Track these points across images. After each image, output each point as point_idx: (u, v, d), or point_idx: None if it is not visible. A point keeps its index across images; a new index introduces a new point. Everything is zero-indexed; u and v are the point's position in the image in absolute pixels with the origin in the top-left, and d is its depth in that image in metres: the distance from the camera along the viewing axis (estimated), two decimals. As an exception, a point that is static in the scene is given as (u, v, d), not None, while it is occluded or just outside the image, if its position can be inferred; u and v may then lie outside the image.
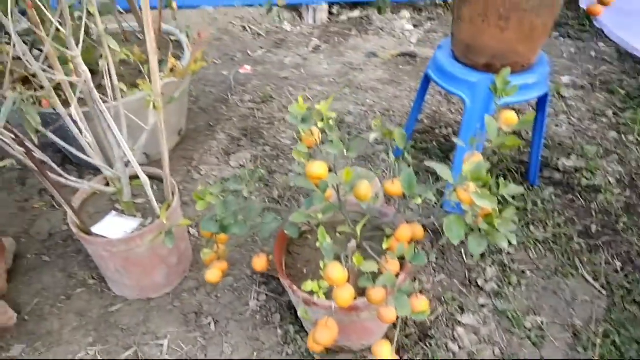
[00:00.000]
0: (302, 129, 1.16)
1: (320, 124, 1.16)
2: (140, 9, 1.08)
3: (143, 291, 1.59)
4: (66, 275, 1.71)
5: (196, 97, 2.71)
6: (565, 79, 2.82)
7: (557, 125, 2.45)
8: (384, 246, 1.17)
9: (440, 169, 1.10)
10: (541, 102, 1.90)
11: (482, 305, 1.62)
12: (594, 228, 1.87)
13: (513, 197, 1.93)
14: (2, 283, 1.56)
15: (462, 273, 1.73)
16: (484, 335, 1.52)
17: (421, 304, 1.20)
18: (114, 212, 1.54)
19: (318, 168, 1.06)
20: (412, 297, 1.22)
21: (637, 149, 2.25)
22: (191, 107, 2.59)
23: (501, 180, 1.23)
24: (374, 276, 1.12)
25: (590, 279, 1.69)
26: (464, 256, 1.78)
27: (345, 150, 1.13)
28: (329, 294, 1.13)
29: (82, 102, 1.27)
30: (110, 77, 1.18)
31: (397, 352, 1.47)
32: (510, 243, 1.16)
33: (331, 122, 1.18)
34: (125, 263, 1.47)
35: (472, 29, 1.68)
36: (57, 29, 1.01)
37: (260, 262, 1.34)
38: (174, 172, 2.16)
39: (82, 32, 0.99)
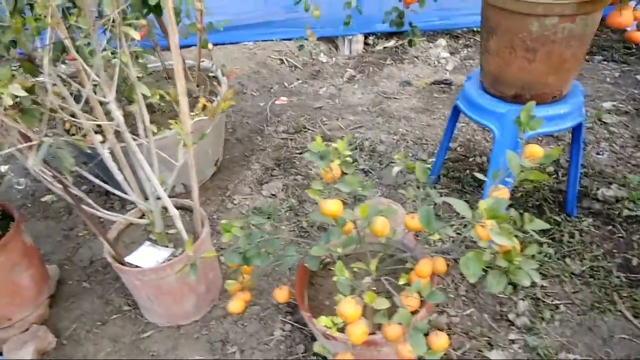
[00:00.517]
0: (321, 166, 1.20)
1: (337, 162, 1.18)
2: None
3: (173, 318, 1.65)
4: (103, 301, 1.80)
5: (233, 128, 2.81)
6: (607, 105, 2.72)
7: (598, 154, 2.36)
8: (401, 282, 1.17)
9: (457, 204, 1.10)
10: (576, 132, 1.85)
11: (513, 341, 1.56)
12: (635, 261, 1.78)
13: (545, 231, 1.88)
14: (44, 309, 1.66)
15: (492, 307, 1.69)
16: (514, 374, 1.46)
17: (440, 341, 1.18)
18: (147, 243, 1.62)
19: (331, 206, 1.09)
20: (431, 334, 1.21)
21: (685, 177, 2.13)
22: (228, 137, 2.69)
23: (526, 215, 1.21)
24: (393, 312, 1.12)
25: (629, 315, 1.60)
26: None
27: (360, 188, 1.15)
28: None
29: (120, 139, 1.37)
30: (143, 118, 1.27)
31: (422, 388, 1.44)
32: (532, 281, 1.14)
33: (349, 159, 1.21)
34: (156, 291, 1.54)
35: (500, 61, 1.67)
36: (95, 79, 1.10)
37: (282, 294, 1.36)
38: (209, 202, 2.24)
39: (115, 81, 1.08)
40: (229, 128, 2.79)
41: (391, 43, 3.67)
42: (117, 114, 1.14)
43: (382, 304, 1.04)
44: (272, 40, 3.62)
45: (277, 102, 3.08)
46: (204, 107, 1.40)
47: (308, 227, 2.07)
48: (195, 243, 1.49)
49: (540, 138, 2.48)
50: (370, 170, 2.39)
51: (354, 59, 3.56)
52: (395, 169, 1.97)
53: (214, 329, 1.66)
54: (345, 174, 1.21)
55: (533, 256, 1.14)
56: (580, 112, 1.76)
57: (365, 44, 3.70)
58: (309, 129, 2.75)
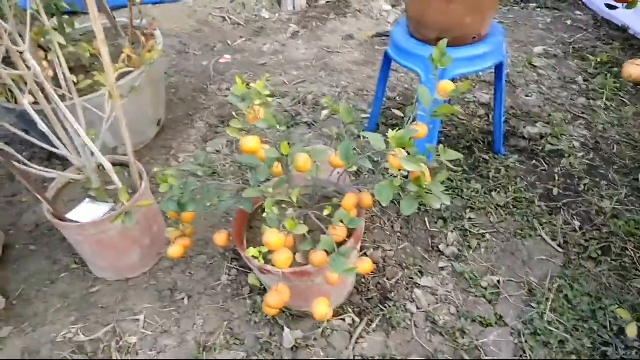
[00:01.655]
0: (243, 108, 1.24)
1: (257, 102, 1.23)
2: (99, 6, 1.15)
3: (120, 272, 1.70)
4: (51, 262, 1.82)
5: (176, 89, 2.79)
6: (538, 49, 2.84)
7: (527, 95, 2.49)
8: (325, 212, 1.25)
9: (372, 137, 1.18)
10: (498, 71, 1.95)
11: (442, 268, 1.69)
12: (555, 191, 1.93)
13: (473, 169, 1.99)
14: (-11, 271, 1.67)
15: (425, 240, 1.81)
16: (441, 296, 1.60)
17: (364, 265, 1.28)
18: (87, 200, 1.64)
19: (250, 142, 1.14)
20: (357, 260, 1.30)
21: (604, 113, 2.29)
22: (171, 98, 2.68)
23: (441, 147, 1.30)
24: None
25: (548, 239, 1.75)
26: (428, 224, 1.86)
27: (278, 125, 1.20)
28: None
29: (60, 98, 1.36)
30: (63, 70, 1.26)
31: (359, 314, 1.56)
32: (443, 204, 1.23)
33: (268, 99, 1.25)
34: (99, 246, 1.57)
35: (421, 5, 1.73)
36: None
37: (221, 238, 1.42)
38: (154, 161, 2.26)
39: (28, 28, 1.08)
40: (171, 89, 2.77)
41: (334, -3, 3.67)
42: (33, 63, 1.14)
43: (302, 229, 1.12)
44: (213, -3, 3.55)
45: (220, 60, 3.06)
46: (129, 59, 1.40)
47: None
48: (134, 196, 1.53)
49: (471, 79, 2.59)
50: (314, 123, 2.44)
51: (297, 15, 3.54)
52: (324, 113, 2.03)
53: (162, 279, 1.72)
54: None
55: (443, 182, 1.24)
56: (500, 52, 1.85)
57: (310, -1, 3.68)
58: (252, 86, 2.76)
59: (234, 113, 1.38)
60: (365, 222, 1.89)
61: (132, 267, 1.70)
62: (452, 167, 1.92)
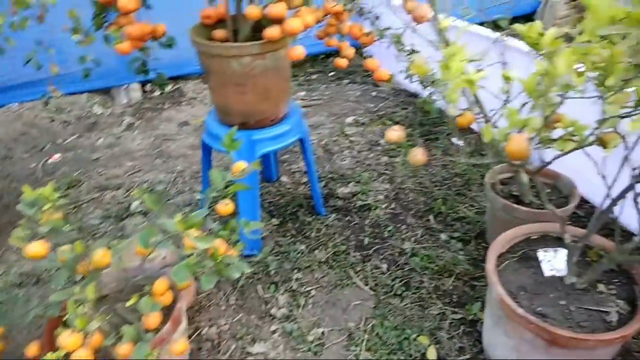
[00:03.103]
0: (33, 214, 1.28)
1: (47, 206, 1.28)
2: None
3: None
4: None
5: (0, 196, 2.65)
6: (349, 119, 3.28)
7: (342, 160, 2.84)
8: (128, 304, 1.31)
9: (167, 223, 1.29)
10: (303, 145, 2.23)
11: (274, 332, 1.82)
12: (366, 241, 2.21)
13: (299, 232, 2.18)
14: None
15: (259, 307, 1.92)
16: (273, 358, 1.70)
17: (179, 346, 1.35)
18: None
19: (33, 248, 1.18)
20: (172, 343, 1.37)
21: (402, 168, 2.70)
22: (-7, 207, 2.53)
23: (243, 220, 1.45)
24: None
25: (361, 284, 1.99)
26: (261, 291, 1.98)
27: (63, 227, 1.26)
28: None
29: None
30: None
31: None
32: (243, 272, 1.37)
33: (60, 201, 1.32)
34: None
35: (221, 96, 1.96)
36: None
37: (32, 349, 1.39)
38: (-32, 278, 2.09)
39: None
40: (-8, 196, 2.62)
41: (168, 88, 3.85)
42: None
43: (93, 326, 1.17)
44: (38, 99, 3.50)
45: (49, 160, 2.99)
46: None
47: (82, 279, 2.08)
48: None
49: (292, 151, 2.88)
50: (147, 212, 2.49)
51: (132, 107, 3.63)
52: (134, 204, 2.11)
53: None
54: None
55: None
56: (300, 129, 2.14)
57: (144, 91, 3.80)
58: (84, 182, 2.74)
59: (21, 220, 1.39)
60: (201, 299, 1.96)
61: None
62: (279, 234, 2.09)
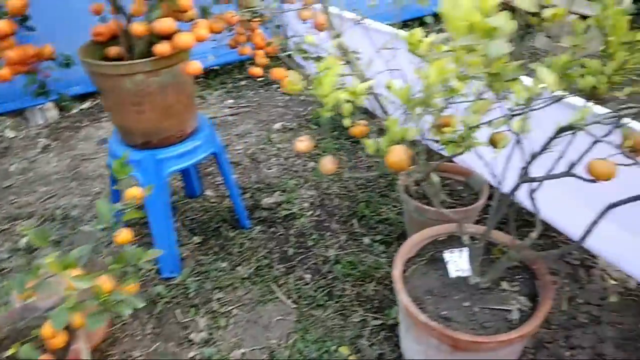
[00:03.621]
0: None
1: None
2: None
3: None
4: None
5: None
6: (277, 125, 3.23)
7: (268, 169, 2.79)
8: (7, 354, 1.21)
9: (42, 264, 1.20)
10: (218, 159, 2.16)
11: (192, 358, 1.74)
12: (290, 251, 2.17)
13: (222, 248, 2.10)
14: None
15: (177, 334, 1.84)
16: (188, 387, 1.64)
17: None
18: None
19: None
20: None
21: (314, 175, 2.67)
22: None
23: (138, 250, 1.37)
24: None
25: (284, 298, 1.94)
26: (180, 316, 1.90)
27: None
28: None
29: None
30: None
31: None
32: (136, 307, 1.29)
33: None
34: None
35: (120, 116, 1.86)
36: None
37: None
38: None
39: None
40: None
41: (87, 104, 3.66)
42: None
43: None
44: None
45: (-46, 193, 2.78)
46: None
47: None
48: None
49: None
50: (63, 239, 2.35)
51: (48, 128, 3.43)
52: (23, 241, 1.99)
53: None
54: None
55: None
56: (212, 144, 2.07)
57: (61, 109, 3.61)
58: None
59: None
60: (115, 330, 1.86)
61: None
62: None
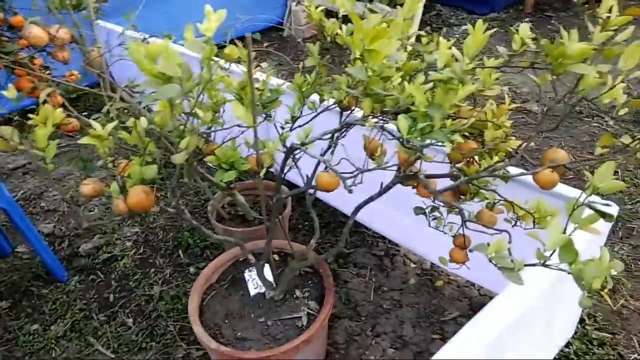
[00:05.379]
0: None
1: None
2: None
3: None
4: None
5: None
6: (100, 162, 3.06)
7: (90, 210, 2.63)
8: None
9: None
10: (8, 214, 1.97)
11: None
12: (111, 297, 2.07)
13: (34, 310, 1.91)
14: None
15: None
16: None
17: None
18: None
19: None
20: None
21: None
22: None
23: None
24: None
25: (103, 349, 1.85)
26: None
27: None
28: None
29: None
30: None
31: None
32: None
33: None
34: None
35: None
36: None
37: None
38: None
39: None
40: None
41: None
42: None
43: None
44: None
45: None
46: None
47: None
48: None
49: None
50: None
51: None
52: None
53: None
54: None
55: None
56: (3, 199, 1.89)
57: None
58: None
59: None
60: None
61: None
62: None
